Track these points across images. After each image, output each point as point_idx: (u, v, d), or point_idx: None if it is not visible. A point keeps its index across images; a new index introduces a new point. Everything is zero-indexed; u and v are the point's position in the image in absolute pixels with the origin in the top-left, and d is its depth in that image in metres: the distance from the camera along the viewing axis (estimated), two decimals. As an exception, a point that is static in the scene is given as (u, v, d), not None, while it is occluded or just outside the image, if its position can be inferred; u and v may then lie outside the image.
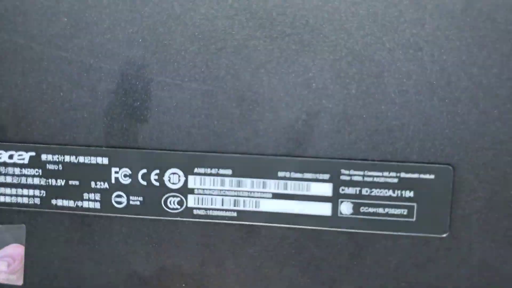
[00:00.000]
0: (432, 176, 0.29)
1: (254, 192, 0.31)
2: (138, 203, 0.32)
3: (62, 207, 0.32)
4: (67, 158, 0.32)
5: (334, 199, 0.30)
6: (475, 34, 0.28)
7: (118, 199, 0.32)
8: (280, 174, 0.30)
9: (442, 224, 0.30)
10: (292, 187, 0.30)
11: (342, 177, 0.30)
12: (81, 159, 0.32)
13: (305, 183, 0.30)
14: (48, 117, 0.31)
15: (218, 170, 0.31)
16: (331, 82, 0.29)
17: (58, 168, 0.32)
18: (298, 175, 0.30)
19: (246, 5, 0.29)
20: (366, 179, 0.30)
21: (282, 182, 0.30)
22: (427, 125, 0.29)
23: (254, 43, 0.30)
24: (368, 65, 0.29)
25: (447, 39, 0.28)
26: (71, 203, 0.32)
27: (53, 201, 0.32)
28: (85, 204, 0.32)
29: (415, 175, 0.29)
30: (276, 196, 0.31)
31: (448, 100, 0.29)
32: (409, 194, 0.30)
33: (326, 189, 0.30)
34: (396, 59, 0.29)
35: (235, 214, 0.31)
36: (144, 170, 0.31)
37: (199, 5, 0.30)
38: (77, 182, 0.32)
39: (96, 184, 0.32)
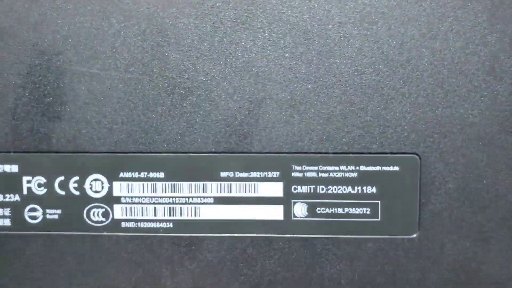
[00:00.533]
0: (396, 168, 0.25)
1: (192, 197, 0.25)
2: (56, 217, 0.26)
3: (-37, 228, 0.26)
4: (-34, 168, 0.26)
5: (286, 200, 0.25)
6: (435, 3, 0.24)
7: (32, 214, 0.26)
8: (223, 174, 0.25)
9: (411, 223, 0.25)
10: (237, 189, 0.25)
11: (294, 174, 0.25)
12: (-16, 168, 0.26)
13: (252, 183, 0.25)
14: None
15: (148, 173, 0.25)
16: (275, 64, 0.25)
17: (-44, 181, 0.26)
18: (244, 174, 0.25)
19: None
20: (321, 175, 0.25)
21: (225, 184, 0.25)
22: (388, 109, 0.25)
23: (183, 21, 0.25)
24: (317, 43, 0.24)
25: (404, 9, 0.24)
26: (-27, 223, 0.26)
27: (-48, 221, 0.26)
28: (-8, 223, 0.26)
29: (377, 168, 0.25)
30: (218, 200, 0.25)
31: (410, 79, 0.24)
32: (371, 190, 0.25)
33: (276, 189, 0.25)
34: (348, 35, 0.24)
35: (170, 225, 0.26)
36: (61, 178, 0.26)
37: (116, -21, 0.25)
38: (-20, 197, 0.26)
39: (4, 197, 0.26)
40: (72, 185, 0.26)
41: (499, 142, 0.24)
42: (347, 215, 0.25)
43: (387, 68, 0.24)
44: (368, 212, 0.25)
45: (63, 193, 0.26)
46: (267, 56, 0.25)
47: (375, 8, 0.24)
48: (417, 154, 0.25)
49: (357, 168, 0.25)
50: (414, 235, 0.25)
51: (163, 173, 0.25)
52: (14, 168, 0.26)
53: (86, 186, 0.26)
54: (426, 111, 0.24)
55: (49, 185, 0.26)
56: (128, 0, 0.25)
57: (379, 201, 0.25)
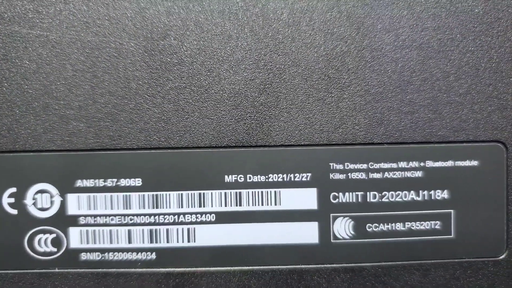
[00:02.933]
0: (474, 163, 0.15)
1: (184, 214, 0.15)
2: None
3: None
4: None
5: (323, 215, 0.15)
6: None
7: None
8: (228, 179, 0.15)
9: (496, 239, 0.15)
10: (250, 200, 0.15)
11: (334, 176, 0.15)
12: None
13: (271, 191, 0.15)
14: None
15: (118, 181, 0.15)
16: (302, 17, 0.15)
17: None
18: (259, 178, 0.15)
19: None
20: (373, 175, 0.15)
21: (232, 193, 0.15)
22: (460, 81, 0.15)
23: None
24: (361, -13, 0.15)
25: None
26: None
27: None
28: None
29: (449, 163, 0.15)
30: (222, 217, 0.15)
31: (489, 38, 0.15)
32: (441, 195, 0.15)
33: (308, 198, 0.15)
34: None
35: (153, 255, 0.15)
36: (-10, 191, 0.15)
37: None
38: None
39: None
40: (6, 200, 0.15)
41: None
42: (410, 232, 0.15)
43: (459, 22, 0.15)
44: (438, 227, 0.15)
45: (-7, 212, 0.15)
46: (290, 5, 0.15)
47: None
48: (501, 142, 0.15)
49: (423, 164, 0.15)
50: (502, 256, 0.16)
51: (140, 180, 0.15)
52: None
53: (28, 201, 0.15)
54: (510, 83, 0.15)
55: (-28, 201, 0.15)
56: None
57: (452, 211, 0.15)
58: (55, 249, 0.16)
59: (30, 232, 0.16)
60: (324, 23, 0.15)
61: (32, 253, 0.16)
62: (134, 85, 0.15)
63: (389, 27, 0.15)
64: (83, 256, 0.16)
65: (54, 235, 0.16)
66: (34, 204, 0.16)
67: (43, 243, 0.16)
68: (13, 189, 0.16)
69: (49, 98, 0.15)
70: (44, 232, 0.16)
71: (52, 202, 0.16)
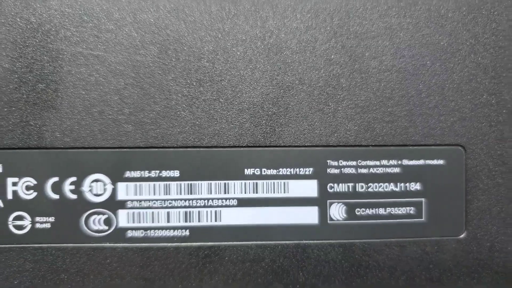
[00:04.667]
0: (441, 162, 0.18)
1: (212, 199, 0.18)
2: (48, 225, 0.18)
3: None
4: None
5: (322, 201, 0.18)
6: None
7: (19, 222, 0.18)
8: (248, 171, 0.18)
9: (457, 222, 0.19)
10: (265, 189, 0.18)
11: (330, 171, 0.18)
12: (-42, 169, 0.18)
13: (281, 182, 0.18)
14: None
15: (160, 172, 0.18)
16: (307, 45, 0.18)
17: None
18: (272, 171, 0.18)
19: None
20: (361, 170, 0.18)
21: (250, 183, 0.18)
22: (430, 97, 0.18)
23: (202, -5, 0.18)
24: (353, 23, 0.18)
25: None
26: None
27: None
28: (-34, 235, 0.18)
29: (421, 162, 0.18)
30: (243, 202, 0.18)
31: (452, 64, 0.18)
32: (415, 186, 0.18)
33: (310, 188, 0.18)
34: (386, 14, 0.18)
35: (187, 232, 0.18)
36: (55, 179, 0.18)
37: None
38: (-48, 204, 0.18)
39: (-17, 205, 0.18)
40: (67, 187, 0.18)
41: (547, 133, 0.19)
42: (390, 216, 0.18)
43: (429, 52, 0.18)
44: (412, 212, 0.19)
45: (56, 197, 0.18)
46: (298, 36, 0.18)
47: (417, -15, 0.18)
48: (462, 146, 0.19)
49: (400, 162, 0.18)
50: (461, 236, 0.19)
51: (178, 172, 0.18)
52: (-3, 169, 0.18)
53: (85, 188, 0.18)
54: (470, 99, 0.18)
55: (39, 187, 0.18)
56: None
57: (423, 199, 0.19)
58: (106, 227, 0.19)
59: (87, 213, 0.19)
60: (324, 51, 0.18)
61: (87, 230, 0.19)
62: (174, 96, 0.18)
63: (374, 55, 0.18)
64: (129, 233, 0.19)
65: (106, 216, 0.19)
66: (90, 190, 0.19)
67: (96, 222, 0.19)
68: (74, 178, 0.18)
69: (105, 106, 0.18)
70: (98, 213, 0.19)
71: (105, 189, 0.19)
